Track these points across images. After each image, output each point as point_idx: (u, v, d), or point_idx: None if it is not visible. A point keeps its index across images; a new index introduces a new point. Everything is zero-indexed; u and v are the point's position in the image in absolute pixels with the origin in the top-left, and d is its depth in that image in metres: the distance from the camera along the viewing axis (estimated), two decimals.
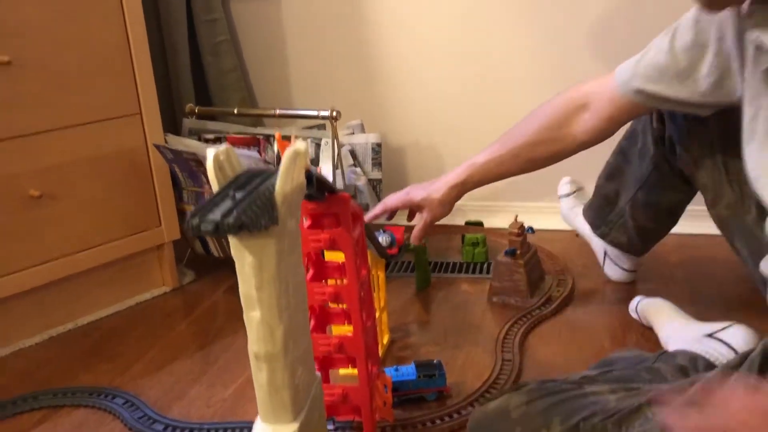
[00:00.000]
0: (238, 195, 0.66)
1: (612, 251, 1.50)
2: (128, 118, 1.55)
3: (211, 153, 0.71)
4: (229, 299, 1.63)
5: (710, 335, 1.14)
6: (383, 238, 1.48)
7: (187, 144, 1.60)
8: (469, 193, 1.86)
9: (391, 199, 1.37)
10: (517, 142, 1.27)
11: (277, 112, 1.69)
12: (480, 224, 1.85)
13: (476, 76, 1.87)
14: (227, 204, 0.63)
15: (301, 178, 0.72)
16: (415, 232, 1.38)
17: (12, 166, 1.39)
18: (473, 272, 1.65)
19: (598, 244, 1.53)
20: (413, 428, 1.08)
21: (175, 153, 1.56)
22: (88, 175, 1.50)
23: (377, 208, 1.39)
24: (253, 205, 0.63)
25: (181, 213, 1.69)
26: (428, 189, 1.35)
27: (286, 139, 1.02)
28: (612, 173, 1.41)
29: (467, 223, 1.86)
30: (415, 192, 1.37)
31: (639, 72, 1.09)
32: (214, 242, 1.74)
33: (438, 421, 1.09)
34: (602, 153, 1.60)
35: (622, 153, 1.38)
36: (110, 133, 1.52)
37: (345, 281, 0.98)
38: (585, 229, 1.55)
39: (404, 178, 2.01)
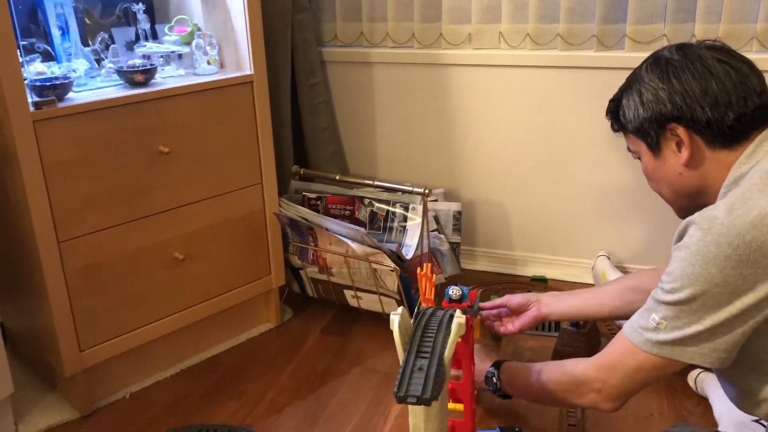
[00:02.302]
0: (422, 364, 0.92)
1: None
2: (252, 187, 1.82)
3: (396, 320, 0.97)
4: (326, 340, 1.92)
5: (758, 420, 1.39)
6: (454, 291, 1.50)
7: (300, 211, 1.86)
8: (533, 246, 2.16)
9: (515, 298, 1.60)
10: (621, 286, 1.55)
11: (375, 183, 1.94)
12: (544, 280, 2.11)
13: (548, 151, 2.11)
14: (419, 378, 0.90)
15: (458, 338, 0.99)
16: (523, 318, 1.58)
17: (164, 234, 1.66)
18: (537, 328, 1.92)
19: None
20: None
21: (291, 220, 1.83)
22: (218, 237, 1.78)
23: (498, 301, 1.62)
24: (437, 378, 0.90)
25: (285, 261, 1.97)
26: (546, 295, 1.61)
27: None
28: None
29: (533, 279, 2.12)
30: (533, 294, 1.62)
31: None
32: (310, 284, 2.02)
33: None
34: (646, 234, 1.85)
35: None
36: (238, 201, 1.79)
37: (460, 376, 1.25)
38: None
39: (474, 239, 2.27)
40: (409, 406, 0.99)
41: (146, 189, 1.61)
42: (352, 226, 1.78)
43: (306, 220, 1.84)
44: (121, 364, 1.69)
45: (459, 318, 0.98)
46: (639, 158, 1.24)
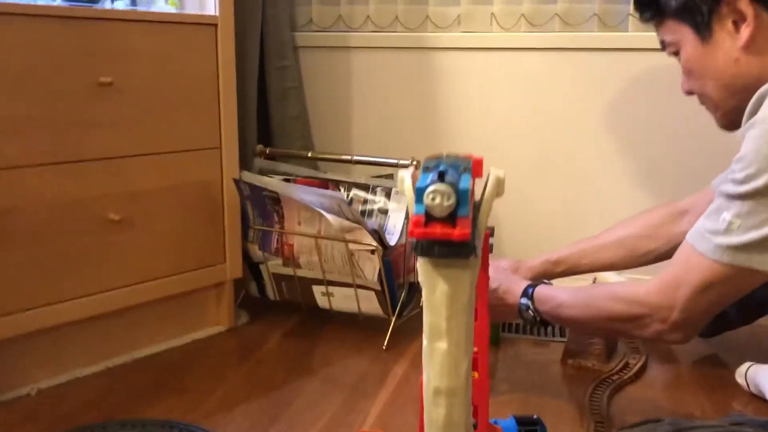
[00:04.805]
0: None
1: None
2: (209, 151, 1.54)
3: (406, 177, 0.70)
4: (290, 346, 1.58)
5: None
6: (436, 191, 0.58)
7: (265, 182, 1.58)
8: (526, 251, 1.90)
9: (502, 263, 1.41)
10: (622, 233, 1.35)
11: (354, 158, 1.69)
12: None
13: (544, 142, 1.89)
14: None
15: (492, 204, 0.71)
16: None
17: (97, 187, 1.36)
18: (537, 334, 1.63)
19: None
20: None
21: (253, 189, 1.54)
22: (164, 204, 1.48)
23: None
24: (473, 225, 0.62)
25: (243, 254, 1.67)
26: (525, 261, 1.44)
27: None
28: None
29: None
30: (518, 261, 1.45)
31: None
32: (271, 282, 1.70)
33: None
34: None
35: None
36: (190, 165, 1.51)
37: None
38: None
39: None
40: (424, 300, 0.70)
41: (81, 126, 1.32)
42: (328, 192, 1.51)
43: (274, 192, 1.56)
44: (27, 351, 1.33)
45: (497, 171, 0.71)
46: (676, 53, 1.04)
